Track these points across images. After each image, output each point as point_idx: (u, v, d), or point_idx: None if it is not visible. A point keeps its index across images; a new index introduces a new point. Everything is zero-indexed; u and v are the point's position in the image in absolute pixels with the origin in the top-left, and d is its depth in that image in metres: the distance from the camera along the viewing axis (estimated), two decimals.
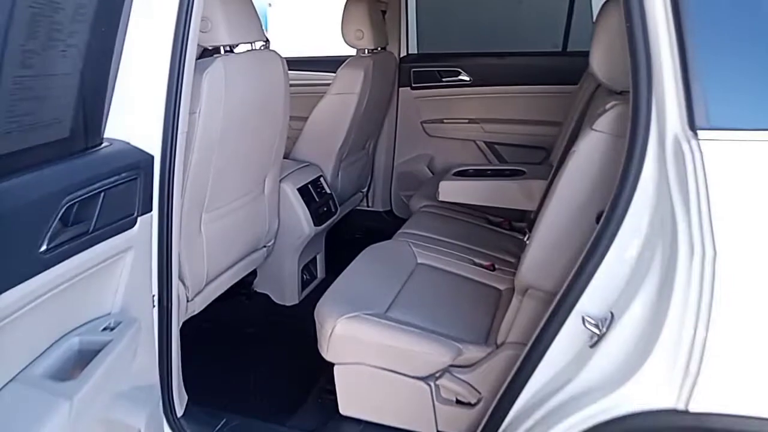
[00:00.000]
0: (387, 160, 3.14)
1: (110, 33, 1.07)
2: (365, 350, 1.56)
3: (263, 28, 1.82)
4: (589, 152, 1.22)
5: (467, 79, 2.93)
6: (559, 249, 1.29)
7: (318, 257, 2.56)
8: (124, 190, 1.06)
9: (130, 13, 1.13)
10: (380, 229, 3.14)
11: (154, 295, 1.40)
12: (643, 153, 1.06)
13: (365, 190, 3.11)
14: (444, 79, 2.97)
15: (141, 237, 1.15)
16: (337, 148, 2.51)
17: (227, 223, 1.88)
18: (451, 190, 2.17)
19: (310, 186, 2.37)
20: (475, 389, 1.54)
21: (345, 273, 1.82)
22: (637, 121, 1.05)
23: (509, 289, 1.86)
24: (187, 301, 1.78)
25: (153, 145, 1.28)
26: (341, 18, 2.52)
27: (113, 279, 1.11)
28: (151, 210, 1.18)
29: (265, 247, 2.21)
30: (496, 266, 1.99)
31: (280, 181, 2.24)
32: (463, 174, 2.28)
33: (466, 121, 2.99)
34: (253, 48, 1.84)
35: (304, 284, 2.45)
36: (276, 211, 2.20)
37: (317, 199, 2.38)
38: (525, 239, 1.86)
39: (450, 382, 1.54)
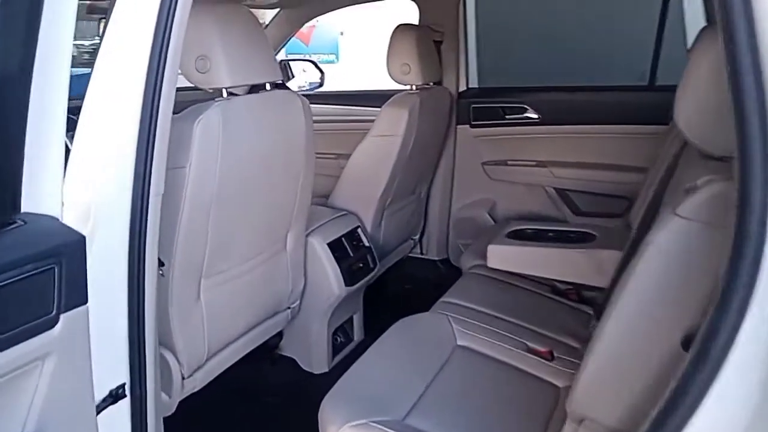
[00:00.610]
0: (443, 205, 2.82)
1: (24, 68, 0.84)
2: None
3: (275, 63, 1.58)
4: (672, 247, 0.86)
5: (535, 116, 2.56)
6: (627, 376, 0.92)
7: (355, 317, 2.27)
8: (31, 285, 0.82)
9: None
10: (433, 281, 2.83)
11: (124, 384, 1.17)
12: (758, 257, 0.69)
13: (417, 237, 2.80)
14: (508, 117, 2.62)
15: (67, 337, 0.91)
16: (378, 195, 2.22)
17: (235, 287, 1.64)
18: (502, 256, 1.82)
19: (344, 239, 2.09)
20: None
21: (364, 357, 1.52)
22: (747, 211, 0.69)
23: (569, 388, 1.48)
24: (183, 378, 1.54)
25: (112, 213, 1.05)
26: (387, 49, 2.25)
27: (22, 396, 0.88)
28: (85, 302, 0.94)
29: (289, 308, 1.95)
30: (556, 354, 1.61)
31: (308, 235, 1.98)
32: (519, 235, 1.92)
33: (534, 163, 2.62)
34: (265, 89, 1.60)
35: (336, 349, 2.16)
36: (302, 270, 1.94)
37: (352, 254, 2.09)
38: (590, 327, 1.47)
39: None
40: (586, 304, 1.91)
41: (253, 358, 2.02)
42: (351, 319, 2.27)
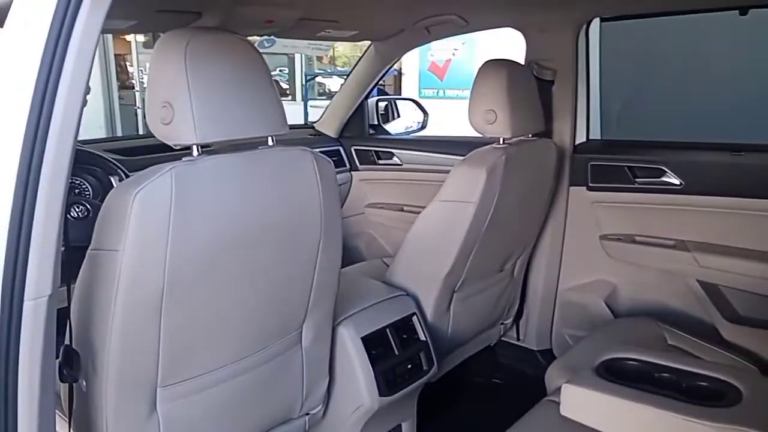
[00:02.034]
0: (547, 285, 2.24)
1: None
2: None
3: (280, 111, 1.19)
4: None
5: (676, 182, 1.90)
6: None
7: (404, 426, 1.79)
8: None
9: None
10: (530, 375, 2.25)
11: None
12: None
13: (509, 321, 2.24)
14: (639, 180, 1.99)
15: None
16: (442, 274, 1.74)
17: (216, 394, 1.26)
18: (582, 404, 1.23)
19: (390, 331, 1.64)
20: None
21: None
22: None
23: None
24: None
25: None
26: (471, 91, 1.78)
27: None
28: None
29: (307, 415, 1.54)
30: None
31: (339, 323, 1.56)
32: (615, 370, 1.29)
33: (671, 243, 1.94)
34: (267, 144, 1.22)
35: None
36: (324, 369, 1.52)
37: (398, 351, 1.63)
38: None
39: None
40: None
41: None
42: (399, 427, 1.79)
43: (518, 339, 2.36)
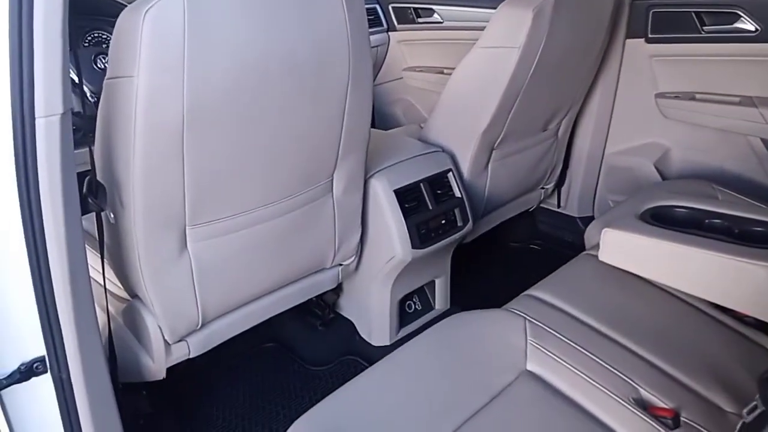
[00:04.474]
0: (593, 148, 2.12)
1: None
2: None
3: None
4: None
5: (751, 28, 1.69)
6: None
7: (438, 282, 1.79)
8: None
9: None
10: (569, 242, 2.21)
11: (40, 358, 0.90)
12: None
13: (551, 185, 2.15)
14: (707, 28, 1.78)
15: None
16: (481, 129, 1.64)
17: (245, 239, 1.26)
18: (623, 248, 1.17)
19: (424, 185, 1.59)
20: None
21: (376, 368, 1.07)
22: None
23: None
24: (168, 344, 1.25)
25: None
26: None
27: None
28: None
29: (340, 265, 1.55)
30: (684, 416, 1.00)
31: (372, 176, 1.52)
32: (663, 217, 1.21)
33: (737, 100, 1.77)
34: None
35: (406, 319, 1.73)
36: (357, 220, 1.50)
37: (433, 206, 1.59)
38: None
39: None
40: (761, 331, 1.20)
41: (302, 313, 1.70)
42: (432, 284, 1.80)
43: (559, 206, 2.29)
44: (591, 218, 2.23)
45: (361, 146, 1.38)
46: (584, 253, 1.45)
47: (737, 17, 1.70)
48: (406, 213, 1.53)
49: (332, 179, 1.38)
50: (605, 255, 1.20)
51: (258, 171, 1.20)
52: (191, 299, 1.22)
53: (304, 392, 1.58)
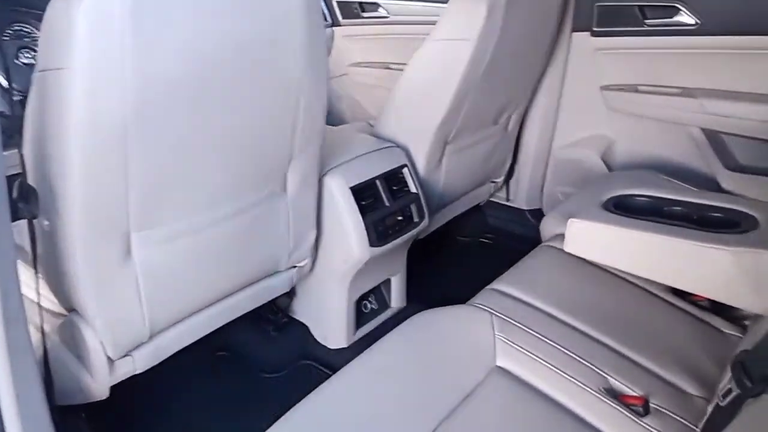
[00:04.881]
0: (541, 141, 2.13)
1: None
2: None
3: None
4: None
5: (691, 21, 1.74)
6: None
7: (393, 281, 1.76)
8: None
9: None
10: (519, 235, 2.23)
11: None
12: None
13: (500, 179, 2.16)
14: (649, 21, 1.82)
15: None
16: (436, 123, 1.61)
17: (195, 243, 1.18)
18: (588, 238, 1.17)
19: (380, 182, 1.54)
20: None
21: (340, 376, 1.01)
22: None
23: None
24: (110, 360, 1.14)
25: None
26: None
27: None
28: None
29: (294, 267, 1.48)
30: (653, 403, 1.00)
31: (326, 174, 1.46)
32: (625, 206, 1.23)
33: (677, 91, 1.82)
34: None
35: (362, 319, 1.69)
36: (312, 220, 1.44)
37: (389, 203, 1.54)
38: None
39: None
40: (729, 319, 1.23)
41: (253, 319, 1.62)
42: (388, 282, 1.76)
43: (508, 200, 2.30)
44: (539, 211, 2.25)
45: (315, 142, 1.32)
46: (543, 244, 1.45)
47: (677, 11, 1.75)
48: (363, 211, 1.48)
49: (286, 177, 1.32)
50: (571, 246, 1.20)
51: (208, 169, 1.12)
52: (137, 310, 1.12)
53: (260, 400, 1.50)
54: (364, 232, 1.46)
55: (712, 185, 1.77)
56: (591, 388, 1.01)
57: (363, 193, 1.50)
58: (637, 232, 1.12)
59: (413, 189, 1.62)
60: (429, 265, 2.02)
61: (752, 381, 0.75)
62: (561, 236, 1.46)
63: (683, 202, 1.18)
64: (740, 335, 1.16)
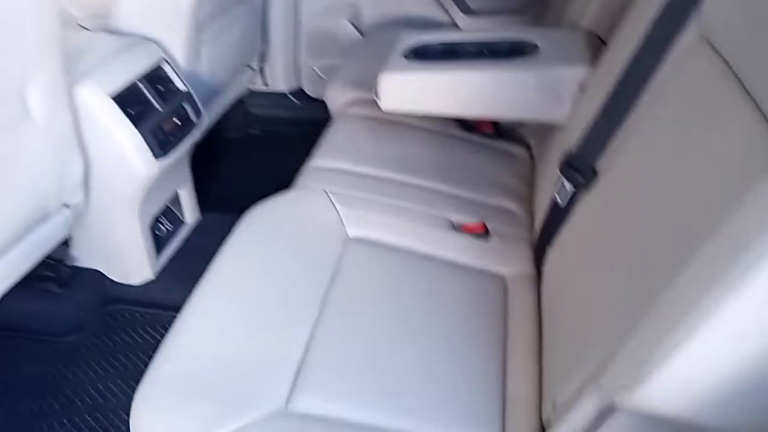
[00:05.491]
0: (287, 16, 2.03)
1: None
2: None
3: None
4: None
5: None
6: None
7: (181, 194, 1.58)
8: None
9: None
10: (287, 120, 2.17)
11: None
12: None
13: (254, 65, 2.03)
14: None
15: None
16: (190, 5, 1.40)
17: None
18: (405, 90, 1.19)
19: (142, 84, 1.31)
20: None
21: (199, 295, 0.90)
22: None
23: (521, 278, 1.02)
24: None
25: None
26: None
27: None
28: None
29: (66, 206, 1.21)
30: (489, 225, 1.12)
31: (73, 85, 1.17)
32: (420, 55, 1.26)
33: None
34: None
35: (160, 243, 1.50)
36: (73, 144, 1.17)
37: (161, 107, 1.33)
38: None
39: None
40: (514, 142, 1.40)
41: (27, 284, 1.32)
42: (176, 198, 1.57)
43: (266, 85, 2.19)
44: (301, 91, 2.21)
45: (57, 48, 1.04)
46: (338, 115, 1.43)
47: None
48: (135, 121, 1.25)
49: (25, 98, 1.02)
50: (387, 102, 1.19)
51: None
52: None
53: (74, 369, 1.27)
54: (144, 145, 1.25)
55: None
56: (437, 229, 1.08)
57: (127, 101, 1.25)
58: (447, 74, 1.16)
59: (181, 87, 1.42)
60: (207, 169, 1.86)
61: (584, 176, 0.87)
62: (352, 103, 1.47)
63: (472, 42, 1.26)
64: (528, 154, 1.34)
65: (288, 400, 0.76)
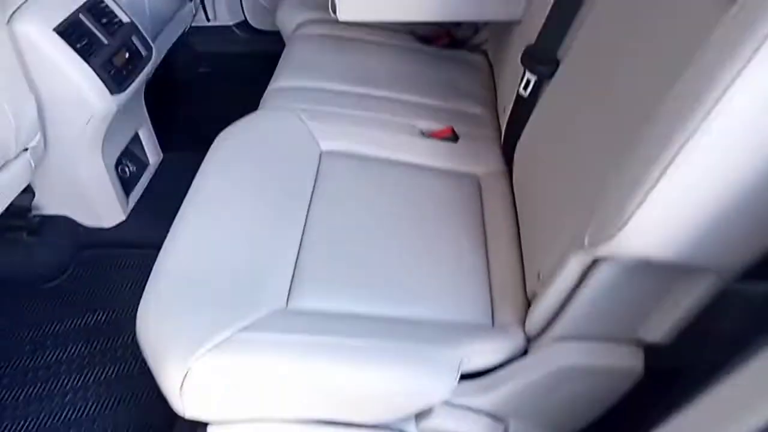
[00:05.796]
0: None
1: None
2: (262, 400, 0.75)
3: None
4: None
5: None
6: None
7: (141, 133, 1.55)
8: None
9: None
10: (235, 55, 2.12)
11: None
12: None
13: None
14: None
15: None
16: None
17: None
18: (359, 0, 1.17)
19: (84, 17, 1.25)
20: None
21: (184, 212, 0.90)
22: None
23: (493, 175, 1.07)
24: None
25: None
26: None
27: None
28: None
29: (26, 150, 1.17)
30: (457, 129, 1.15)
31: (10, 21, 1.11)
32: None
33: None
34: None
35: (126, 185, 1.47)
36: (23, 84, 1.12)
37: (107, 40, 1.28)
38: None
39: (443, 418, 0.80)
40: (472, 50, 1.42)
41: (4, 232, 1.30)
42: (137, 138, 1.54)
43: (209, 20, 2.11)
44: (245, 23, 2.14)
45: None
46: (292, 35, 1.41)
47: None
48: (83, 55, 1.20)
49: None
50: (344, 12, 1.18)
51: None
52: None
53: (59, 315, 1.26)
54: (98, 80, 1.21)
55: None
56: (406, 136, 1.11)
57: (72, 35, 1.20)
58: None
59: (125, 18, 1.36)
60: (162, 111, 1.81)
61: (546, 65, 0.90)
62: (305, 23, 1.44)
63: None
64: (486, 61, 1.37)
65: (288, 300, 0.79)
